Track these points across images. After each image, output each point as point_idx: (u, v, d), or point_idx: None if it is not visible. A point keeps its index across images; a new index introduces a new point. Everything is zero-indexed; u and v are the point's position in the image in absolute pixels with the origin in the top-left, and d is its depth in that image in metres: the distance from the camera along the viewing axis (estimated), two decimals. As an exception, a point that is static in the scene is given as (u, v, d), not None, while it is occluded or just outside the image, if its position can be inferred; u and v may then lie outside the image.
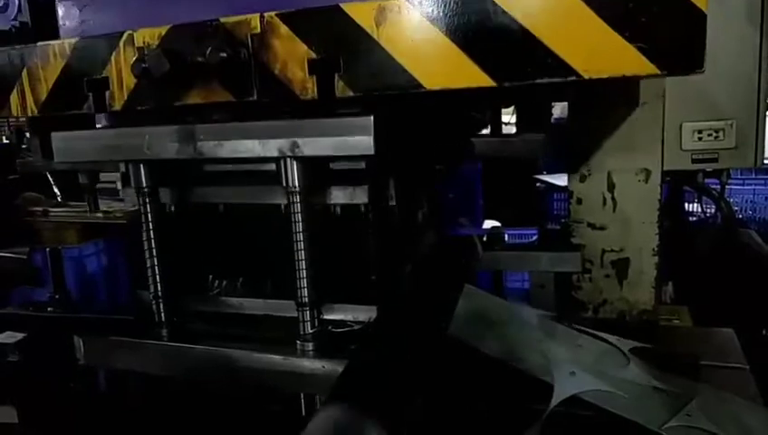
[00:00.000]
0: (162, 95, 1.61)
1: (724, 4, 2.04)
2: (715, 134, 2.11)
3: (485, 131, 2.61)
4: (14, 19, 1.81)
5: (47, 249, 3.17)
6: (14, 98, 1.77)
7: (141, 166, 1.76)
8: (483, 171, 4.77)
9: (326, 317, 1.77)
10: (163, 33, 1.57)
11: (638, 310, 2.34)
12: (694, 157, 2.16)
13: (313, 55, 1.47)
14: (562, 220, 2.87)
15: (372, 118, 1.48)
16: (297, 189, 1.61)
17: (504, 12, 1.31)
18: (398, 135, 1.71)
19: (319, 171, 1.69)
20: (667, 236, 2.37)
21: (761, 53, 2.04)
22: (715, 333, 2.14)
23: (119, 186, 2.09)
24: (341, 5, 1.41)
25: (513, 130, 2.50)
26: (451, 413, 1.60)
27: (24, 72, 1.75)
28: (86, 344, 1.85)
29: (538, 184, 4.93)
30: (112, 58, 1.64)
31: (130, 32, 1.60)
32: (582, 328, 1.95)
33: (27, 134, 2.24)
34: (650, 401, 1.59)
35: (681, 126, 2.14)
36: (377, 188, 1.77)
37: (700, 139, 2.13)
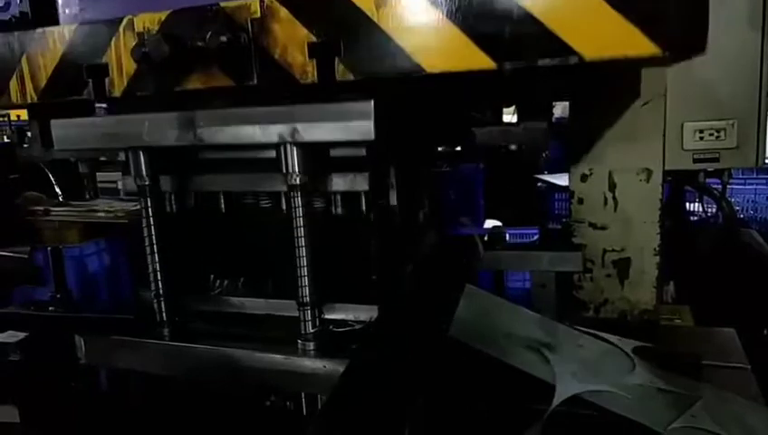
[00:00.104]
0: (162, 80, 1.60)
1: (725, 5, 2.03)
2: (716, 134, 2.11)
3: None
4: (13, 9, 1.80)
5: (48, 248, 3.17)
6: (13, 85, 1.77)
7: (141, 153, 1.75)
8: (484, 171, 4.78)
9: (327, 317, 1.77)
10: (163, 18, 1.57)
11: (640, 310, 2.34)
12: (695, 156, 2.16)
13: (313, 39, 1.46)
14: (564, 220, 2.87)
15: (372, 102, 1.47)
16: (297, 175, 1.59)
17: (505, -7, 1.30)
18: (399, 122, 1.70)
19: (319, 158, 1.68)
20: (669, 235, 2.37)
21: (762, 52, 2.03)
22: (716, 332, 2.14)
23: (119, 185, 2.09)
24: (342, -12, 1.40)
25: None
26: (451, 413, 1.60)
27: (24, 59, 1.74)
28: (87, 344, 1.85)
29: (539, 184, 4.92)
30: (112, 44, 1.63)
31: (130, 17, 1.60)
32: (583, 329, 1.95)
33: (28, 133, 2.24)
34: (653, 402, 1.59)
35: (682, 126, 2.13)
36: (377, 175, 1.76)
37: (701, 138, 2.13)
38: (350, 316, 1.78)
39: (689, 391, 1.64)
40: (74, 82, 1.69)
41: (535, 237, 3.27)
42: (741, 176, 4.78)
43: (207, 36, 1.48)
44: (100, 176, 6.48)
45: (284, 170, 1.60)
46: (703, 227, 3.27)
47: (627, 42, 1.26)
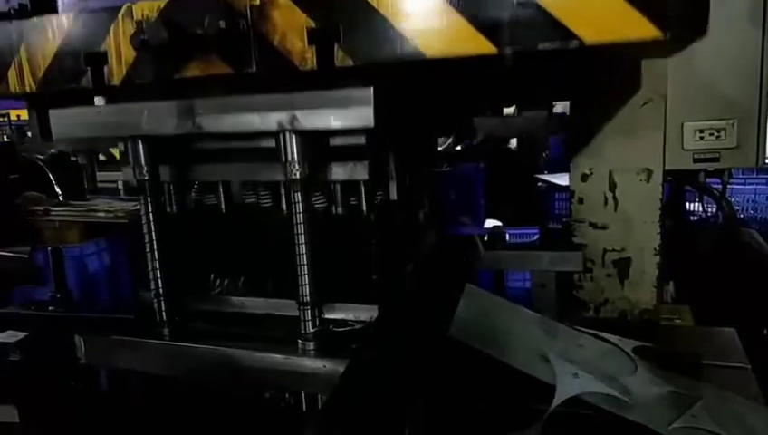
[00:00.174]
0: (161, 68, 1.59)
1: (726, 4, 2.03)
2: (716, 134, 2.11)
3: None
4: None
5: (48, 248, 3.17)
6: (11, 74, 1.76)
7: (140, 143, 1.74)
8: (484, 170, 4.78)
9: (327, 316, 1.77)
10: (162, 5, 1.56)
11: (640, 309, 2.33)
12: (695, 156, 2.15)
13: (312, 25, 1.45)
14: (564, 220, 2.87)
15: (372, 89, 1.46)
16: (296, 163, 1.58)
17: (505, -23, 1.29)
18: (399, 111, 1.69)
19: (319, 147, 1.67)
20: (669, 235, 2.37)
21: (763, 51, 2.03)
22: (716, 332, 2.14)
23: (120, 185, 2.09)
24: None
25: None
26: (451, 413, 1.60)
27: (23, 48, 1.73)
28: (87, 344, 1.85)
29: (539, 183, 4.92)
30: (111, 31, 1.62)
31: (129, 4, 1.59)
32: (584, 330, 1.95)
33: (29, 133, 2.24)
34: (653, 402, 1.59)
35: (683, 125, 2.13)
36: (377, 164, 1.75)
37: (702, 138, 2.13)
38: (350, 316, 1.78)
39: (690, 391, 1.64)
40: (73, 71, 1.68)
41: (535, 237, 3.27)
42: (741, 176, 4.79)
43: (206, 23, 1.47)
44: (100, 176, 6.50)
45: (284, 159, 1.58)
46: (703, 226, 3.27)
47: (627, 25, 1.26)
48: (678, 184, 2.90)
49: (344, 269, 1.81)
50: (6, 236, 3.61)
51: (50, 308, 2.79)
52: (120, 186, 6.14)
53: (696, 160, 2.16)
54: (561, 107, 2.83)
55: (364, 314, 1.76)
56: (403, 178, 1.93)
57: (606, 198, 2.30)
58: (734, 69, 2.06)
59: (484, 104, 2.15)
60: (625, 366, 1.77)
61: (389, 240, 1.87)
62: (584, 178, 2.32)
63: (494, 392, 1.66)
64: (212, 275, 1.99)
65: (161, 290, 1.84)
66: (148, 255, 1.82)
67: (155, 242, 1.81)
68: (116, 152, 7.20)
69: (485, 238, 2.58)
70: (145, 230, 1.81)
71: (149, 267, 1.83)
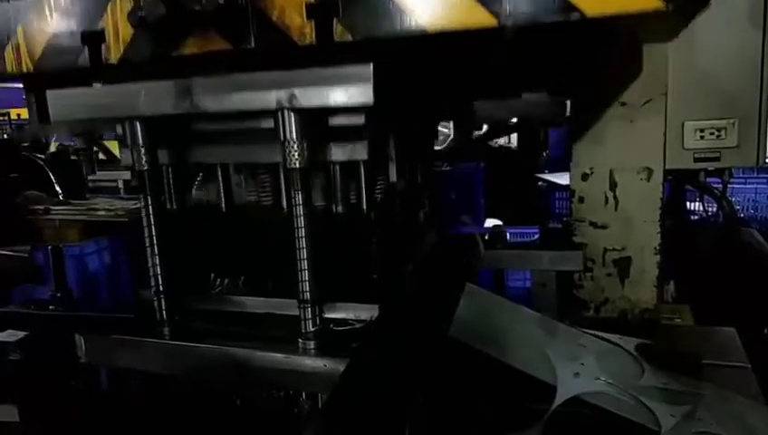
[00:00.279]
0: (159, 46, 1.58)
1: (726, 3, 2.03)
2: (717, 133, 2.11)
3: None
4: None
5: (49, 247, 3.17)
6: (8, 54, 1.74)
7: (138, 124, 1.73)
8: (484, 170, 4.78)
9: (328, 316, 1.77)
10: None
11: (640, 309, 2.33)
12: (696, 156, 2.15)
13: None
14: (564, 219, 2.87)
15: (372, 66, 1.45)
16: (295, 143, 1.56)
17: (506, -52, 1.28)
18: (399, 90, 1.67)
19: (317, 126, 1.65)
20: (669, 234, 2.37)
21: (763, 51, 2.03)
22: (716, 331, 2.14)
23: (120, 184, 2.09)
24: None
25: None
26: (451, 413, 1.60)
27: (20, 28, 1.72)
28: (87, 343, 1.84)
29: (540, 183, 4.92)
30: (108, 9, 1.61)
31: None
32: (585, 330, 1.95)
33: (29, 132, 2.23)
34: (654, 402, 1.59)
35: (683, 125, 2.13)
36: (376, 145, 1.73)
37: (702, 137, 2.13)
38: (350, 315, 1.77)
39: (691, 391, 1.64)
40: (70, 50, 1.66)
41: (536, 236, 3.27)
42: (741, 175, 4.78)
43: None
44: (99, 175, 6.50)
45: (282, 138, 1.57)
46: (703, 226, 3.27)
47: (629, -3, 1.24)
48: (679, 183, 2.90)
49: (344, 268, 1.81)
50: (7, 234, 3.61)
51: (50, 307, 2.79)
52: (121, 185, 6.17)
53: (696, 160, 2.16)
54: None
55: (364, 313, 1.76)
56: (403, 160, 1.92)
57: (606, 198, 2.30)
58: (735, 68, 2.06)
59: (485, 86, 2.13)
60: (626, 365, 1.77)
61: (390, 233, 1.87)
62: (584, 177, 2.32)
63: (494, 392, 1.66)
64: (212, 275, 1.99)
65: (161, 288, 1.84)
66: (148, 250, 1.81)
67: (155, 238, 1.80)
68: (115, 149, 7.21)
69: (486, 238, 2.57)
70: (145, 225, 1.80)
71: (149, 264, 1.82)
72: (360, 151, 1.70)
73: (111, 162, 7.02)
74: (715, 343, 2.04)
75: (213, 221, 1.97)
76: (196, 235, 1.99)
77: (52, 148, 6.98)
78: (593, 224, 2.34)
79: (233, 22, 1.50)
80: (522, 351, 1.78)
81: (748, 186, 4.85)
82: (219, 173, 1.94)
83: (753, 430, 1.52)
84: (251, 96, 1.56)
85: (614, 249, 2.33)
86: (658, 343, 1.91)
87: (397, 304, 1.80)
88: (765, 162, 2.18)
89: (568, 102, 2.08)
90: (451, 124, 3.65)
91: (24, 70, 1.74)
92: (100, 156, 7.17)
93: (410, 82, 1.78)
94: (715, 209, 3.02)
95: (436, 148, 3.25)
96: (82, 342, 1.84)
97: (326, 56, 1.49)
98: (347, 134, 1.69)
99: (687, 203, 3.44)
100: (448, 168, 4.65)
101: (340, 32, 1.43)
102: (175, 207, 1.97)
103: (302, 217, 1.62)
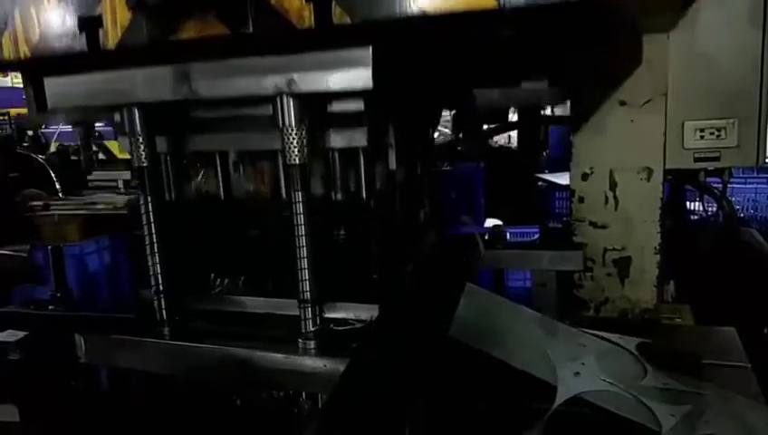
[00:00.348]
0: (157, 30, 1.56)
1: (726, 4, 2.03)
2: (717, 133, 2.11)
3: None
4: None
5: (48, 247, 3.17)
6: (6, 41, 1.73)
7: (136, 111, 1.72)
8: (485, 170, 4.78)
9: (328, 315, 1.76)
10: None
11: (640, 308, 2.33)
12: (696, 155, 2.16)
13: None
14: (564, 219, 2.87)
15: (370, 49, 1.44)
16: (293, 129, 1.55)
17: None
18: (399, 76, 1.66)
19: (317, 111, 1.64)
20: (669, 234, 2.37)
21: (763, 51, 2.03)
22: (716, 331, 2.14)
23: (120, 184, 2.09)
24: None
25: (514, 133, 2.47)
26: (451, 413, 1.60)
27: (17, 13, 1.70)
28: (87, 343, 1.84)
29: (540, 182, 4.92)
30: None
31: None
32: (585, 330, 1.95)
33: (29, 132, 2.23)
34: (654, 401, 1.59)
35: (683, 124, 2.13)
36: (376, 132, 1.72)
37: (702, 137, 2.13)
38: (350, 315, 1.77)
39: (691, 390, 1.64)
40: (67, 36, 1.65)
41: (536, 236, 3.27)
42: (741, 175, 4.78)
43: None
44: (99, 175, 6.50)
45: (281, 123, 1.56)
46: (703, 226, 3.27)
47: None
48: (679, 183, 2.90)
49: (345, 267, 1.81)
50: (6, 234, 3.61)
51: (50, 307, 2.79)
52: (121, 185, 6.16)
53: (696, 160, 2.16)
54: (561, 109, 2.82)
55: (364, 313, 1.76)
56: (403, 148, 1.91)
57: (606, 198, 2.30)
58: (735, 68, 2.06)
59: (485, 73, 2.11)
60: (626, 365, 1.77)
61: (390, 239, 1.87)
62: (585, 177, 2.32)
63: (494, 392, 1.66)
64: (212, 274, 1.99)
65: (161, 287, 1.83)
66: (148, 248, 1.81)
67: (154, 237, 1.80)
68: (115, 149, 7.22)
69: (486, 237, 2.57)
70: (144, 223, 1.80)
71: (149, 262, 1.82)
72: (359, 138, 1.70)
73: (111, 162, 7.03)
74: (715, 342, 2.04)
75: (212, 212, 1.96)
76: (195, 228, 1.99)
77: (53, 147, 6.99)
78: (593, 224, 2.34)
79: (231, 5, 1.48)
80: (522, 350, 1.78)
81: (748, 186, 4.84)
82: (218, 162, 1.94)
83: (753, 429, 1.52)
84: (249, 81, 1.56)
85: (614, 249, 2.33)
86: (658, 342, 1.91)
87: (397, 304, 1.80)
88: (765, 162, 2.18)
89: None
90: (450, 124, 3.65)
91: (22, 56, 1.72)
92: (101, 156, 7.18)
93: (410, 68, 1.76)
94: (715, 209, 3.02)
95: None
96: (82, 342, 1.84)
97: (324, 41, 1.48)
98: (346, 121, 1.69)
99: (687, 203, 3.44)
100: (448, 167, 4.65)
101: (338, 14, 1.41)
102: (174, 197, 1.96)
103: (301, 216, 1.62)
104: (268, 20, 1.47)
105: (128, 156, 1.84)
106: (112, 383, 2.26)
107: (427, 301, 1.91)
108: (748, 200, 4.86)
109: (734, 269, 2.95)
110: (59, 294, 2.94)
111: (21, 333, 2.17)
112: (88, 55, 1.64)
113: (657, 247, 2.28)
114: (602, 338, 1.91)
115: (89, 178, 6.01)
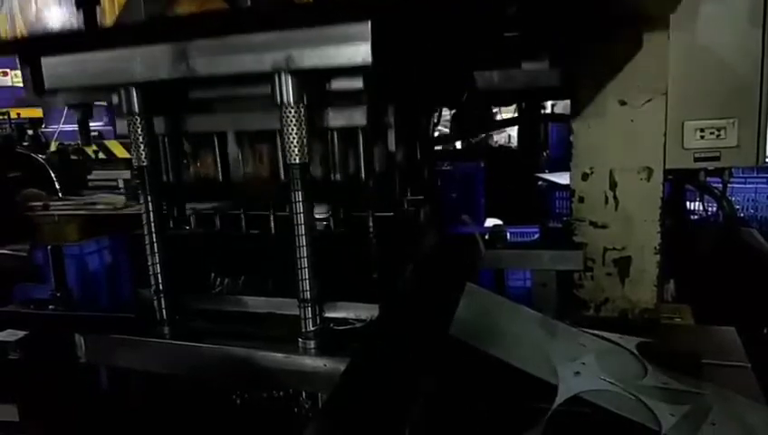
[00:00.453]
0: (155, 6, 1.54)
1: (726, 3, 2.03)
2: (717, 133, 2.11)
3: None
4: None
5: (48, 247, 3.17)
6: (2, 20, 1.71)
7: (134, 91, 1.71)
8: (485, 169, 4.79)
9: (328, 315, 1.76)
10: None
11: (640, 308, 2.34)
12: (696, 155, 2.16)
13: None
14: (564, 218, 2.87)
15: (369, 24, 1.42)
16: (292, 106, 1.54)
17: None
18: (398, 54, 1.64)
19: (315, 88, 1.62)
20: (669, 234, 2.37)
21: (763, 51, 2.04)
22: (716, 331, 2.14)
23: (120, 183, 2.08)
24: None
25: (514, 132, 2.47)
26: (451, 413, 1.60)
27: None
28: (87, 342, 1.84)
29: (540, 182, 4.93)
30: None
31: None
32: (585, 329, 1.95)
33: (29, 131, 2.22)
34: (654, 401, 1.59)
35: (683, 124, 2.14)
36: (375, 111, 1.71)
37: (702, 137, 2.13)
38: (350, 315, 1.77)
39: (691, 390, 1.64)
40: (64, 14, 1.62)
41: (536, 236, 3.27)
42: (741, 175, 4.77)
43: None
44: (99, 174, 6.51)
45: (279, 101, 1.55)
46: (703, 225, 3.28)
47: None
48: (679, 183, 2.91)
49: (345, 267, 1.81)
50: (6, 233, 3.61)
51: (50, 307, 2.79)
52: (121, 184, 6.17)
53: (696, 159, 2.16)
54: (561, 107, 2.82)
55: (365, 312, 1.76)
56: (402, 129, 1.89)
57: (606, 197, 2.30)
58: (735, 68, 2.06)
59: (485, 49, 2.10)
60: (627, 365, 1.77)
61: (390, 238, 1.87)
62: (585, 177, 2.32)
63: (495, 392, 1.66)
64: (212, 274, 1.99)
65: (161, 287, 1.83)
66: (148, 247, 1.80)
67: (154, 235, 1.79)
68: (115, 149, 7.22)
69: (486, 237, 2.57)
70: (144, 222, 1.79)
71: (149, 262, 1.81)
72: (358, 117, 1.69)
73: (111, 161, 7.03)
74: (715, 342, 2.04)
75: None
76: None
77: (53, 147, 7.00)
78: (593, 223, 2.34)
79: None
80: (522, 350, 1.78)
81: (748, 185, 4.84)
82: (216, 143, 1.93)
83: (753, 429, 1.52)
84: (247, 58, 1.54)
85: (614, 249, 2.33)
86: (658, 342, 1.91)
87: (397, 303, 1.80)
88: (765, 162, 2.18)
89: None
90: (450, 124, 3.65)
91: (18, 35, 1.71)
92: (101, 155, 7.18)
93: (410, 47, 1.74)
94: (714, 209, 3.03)
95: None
96: (82, 341, 1.84)
97: (323, 15, 1.46)
98: (345, 99, 1.67)
99: (687, 203, 3.45)
100: (449, 167, 4.65)
101: None
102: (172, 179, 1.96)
103: (301, 215, 1.61)
104: None
105: (128, 155, 1.84)
106: (112, 383, 2.26)
107: (427, 301, 1.91)
108: (748, 200, 4.86)
109: (734, 269, 2.95)
110: (59, 294, 2.94)
111: (21, 333, 2.17)
112: (85, 34, 1.62)
113: (658, 247, 2.28)
114: (602, 338, 1.91)
115: (89, 177, 6.02)
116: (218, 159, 1.95)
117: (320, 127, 1.74)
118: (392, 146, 1.89)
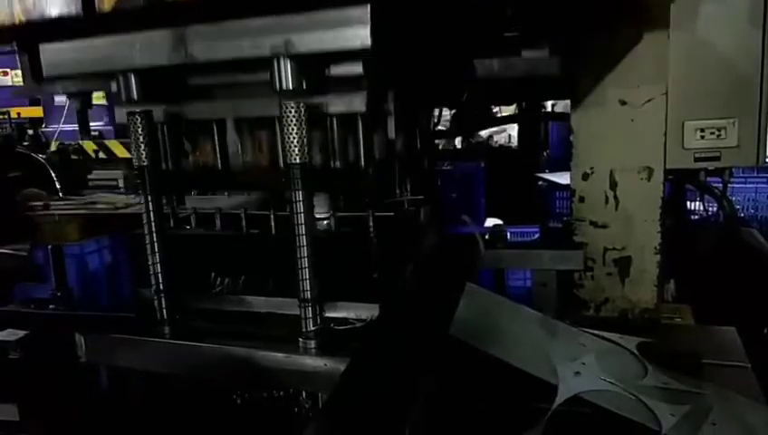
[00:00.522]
0: None
1: (726, 3, 2.03)
2: (717, 133, 2.11)
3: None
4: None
5: (48, 246, 3.17)
6: (0, 6, 1.73)
7: (132, 78, 1.71)
8: (485, 169, 4.79)
9: (328, 315, 1.76)
10: None
11: (640, 308, 2.34)
12: (696, 155, 2.16)
13: None
14: (564, 218, 2.87)
15: (369, 7, 1.42)
16: (291, 91, 1.53)
17: None
18: (398, 39, 1.64)
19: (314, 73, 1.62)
20: (669, 234, 2.37)
21: (763, 51, 2.04)
22: (716, 331, 2.14)
23: (120, 183, 2.08)
24: None
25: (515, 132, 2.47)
26: (451, 413, 1.60)
27: None
28: (88, 342, 1.85)
29: (540, 182, 4.93)
30: None
31: None
32: (585, 329, 1.95)
33: (29, 131, 2.22)
34: (654, 401, 1.59)
35: (683, 124, 2.13)
36: (375, 97, 1.70)
37: (702, 137, 2.13)
38: (351, 314, 1.77)
39: (691, 390, 1.64)
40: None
41: (536, 236, 3.27)
42: (742, 174, 4.78)
43: None
44: (100, 174, 6.51)
45: (278, 87, 1.54)
46: (703, 225, 3.27)
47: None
48: (679, 183, 2.90)
49: (345, 267, 1.81)
50: (6, 233, 3.61)
51: (50, 306, 2.79)
52: (121, 184, 6.17)
53: (696, 159, 2.16)
54: (561, 107, 2.82)
55: (365, 312, 1.76)
56: (402, 116, 1.89)
57: (607, 197, 2.30)
58: (735, 68, 2.06)
59: (485, 41, 2.08)
60: (627, 365, 1.77)
61: (391, 238, 1.87)
62: (585, 176, 2.32)
63: (495, 392, 1.66)
64: (212, 274, 1.99)
65: (161, 286, 1.83)
66: (148, 247, 1.80)
67: (154, 234, 1.79)
68: (115, 148, 7.22)
69: (486, 237, 2.57)
70: (145, 222, 1.79)
71: (149, 261, 1.81)
72: (358, 103, 1.68)
73: (112, 161, 7.03)
74: (716, 342, 2.04)
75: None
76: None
77: (53, 147, 6.99)
78: (593, 223, 2.34)
79: None
80: (522, 350, 1.78)
81: (748, 185, 4.84)
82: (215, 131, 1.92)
83: (753, 429, 1.52)
84: (246, 43, 1.54)
85: (614, 249, 2.33)
86: (659, 342, 1.91)
87: (397, 303, 1.80)
88: (765, 162, 2.18)
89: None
90: (450, 124, 3.65)
91: (16, 21, 1.70)
92: (101, 155, 7.18)
93: (410, 32, 1.74)
94: (715, 209, 3.02)
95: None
96: (82, 341, 1.84)
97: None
98: (345, 85, 1.66)
99: (688, 203, 3.45)
100: (449, 167, 4.65)
101: None
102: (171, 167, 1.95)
103: (302, 215, 1.61)
104: None
105: (128, 155, 1.84)
106: (113, 383, 2.26)
107: (427, 301, 1.91)
108: (748, 200, 4.86)
109: (734, 269, 2.95)
110: (59, 294, 2.94)
111: (21, 332, 2.16)
112: (84, 20, 1.61)
113: (658, 247, 2.28)
114: (602, 338, 1.91)
115: (89, 177, 6.01)
116: (217, 148, 1.94)
117: (319, 113, 1.73)
118: (392, 133, 1.88)
